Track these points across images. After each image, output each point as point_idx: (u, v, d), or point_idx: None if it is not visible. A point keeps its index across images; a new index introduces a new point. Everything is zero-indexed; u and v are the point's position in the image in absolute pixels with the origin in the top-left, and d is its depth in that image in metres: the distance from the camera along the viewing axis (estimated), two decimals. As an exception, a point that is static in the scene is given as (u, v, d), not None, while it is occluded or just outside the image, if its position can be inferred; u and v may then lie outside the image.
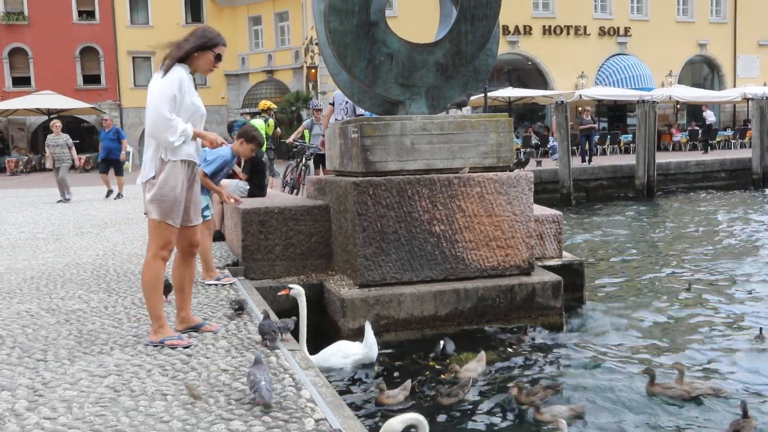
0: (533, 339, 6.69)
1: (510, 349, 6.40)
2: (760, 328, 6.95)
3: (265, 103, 14.90)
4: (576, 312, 7.68)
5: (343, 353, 5.96)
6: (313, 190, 8.45)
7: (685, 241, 13.49)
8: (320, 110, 13.62)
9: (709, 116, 27.73)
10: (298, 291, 5.89)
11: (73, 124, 42.25)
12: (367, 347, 5.96)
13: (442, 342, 6.32)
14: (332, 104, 11.31)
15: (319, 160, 12.97)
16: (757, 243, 12.96)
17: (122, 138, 17.73)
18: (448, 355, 6.14)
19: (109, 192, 17.49)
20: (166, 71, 4.58)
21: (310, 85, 34.43)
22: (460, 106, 9.95)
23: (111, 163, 17.74)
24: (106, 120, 18.13)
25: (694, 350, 6.72)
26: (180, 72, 4.61)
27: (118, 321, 5.27)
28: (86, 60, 41.63)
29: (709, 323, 7.58)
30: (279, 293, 6.13)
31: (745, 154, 25.01)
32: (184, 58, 4.68)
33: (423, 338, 6.62)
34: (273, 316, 5.11)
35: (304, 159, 13.30)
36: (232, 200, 6.73)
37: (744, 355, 6.53)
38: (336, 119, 10.86)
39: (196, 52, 4.70)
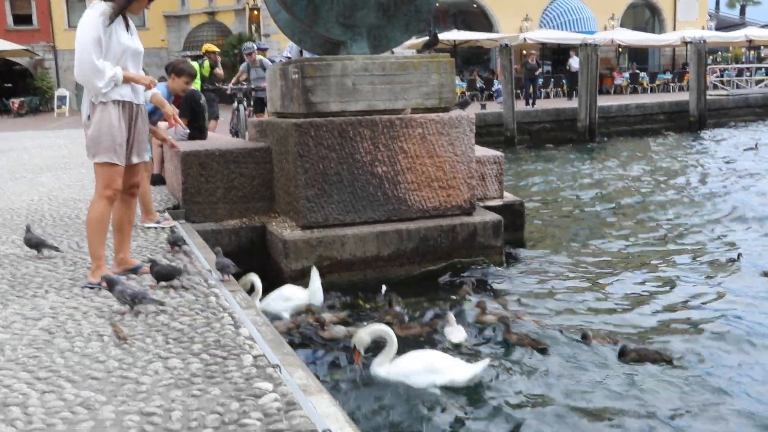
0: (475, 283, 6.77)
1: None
2: (739, 254, 7.51)
3: (207, 47, 14.50)
4: (516, 251, 7.83)
5: (284, 297, 5.94)
6: (254, 132, 8.33)
7: (623, 181, 13.80)
8: (251, 54, 13.21)
9: (574, 62, 27.26)
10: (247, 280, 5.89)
11: (4, 67, 40.62)
12: (311, 293, 5.94)
13: (384, 287, 6.33)
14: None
15: (261, 103, 12.78)
16: (688, 179, 13.36)
17: None
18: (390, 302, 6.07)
19: None
20: (109, 20, 4.41)
21: (253, 28, 33.64)
22: (463, 106, 9.77)
23: None
24: None
25: (625, 283, 6.97)
26: (102, 10, 4.42)
27: (53, 265, 5.17)
28: (16, -1, 39.73)
29: (640, 256, 7.84)
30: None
31: (683, 96, 25.52)
32: None
33: (365, 279, 6.67)
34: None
35: (236, 103, 13.11)
36: (170, 139, 6.60)
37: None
38: None
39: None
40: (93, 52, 4.36)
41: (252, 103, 13.36)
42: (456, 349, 5.16)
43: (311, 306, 5.91)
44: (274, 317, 5.69)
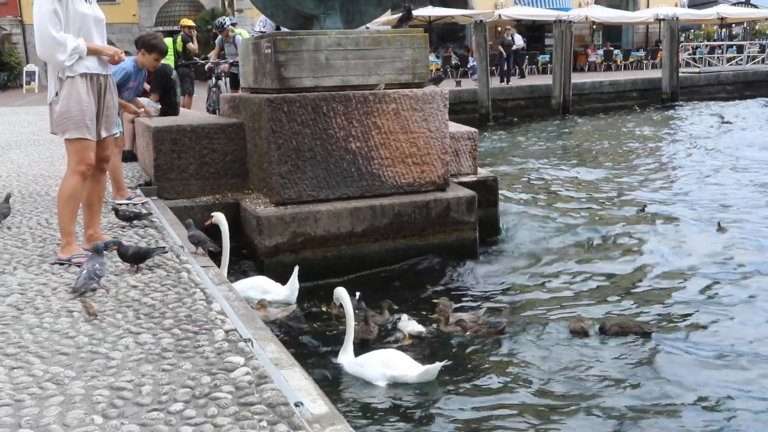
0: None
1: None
2: (719, 222, 7.89)
3: (184, 21, 14.26)
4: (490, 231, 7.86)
5: (263, 289, 5.85)
6: (227, 108, 8.25)
7: (594, 156, 13.91)
8: (224, 29, 12.95)
9: (518, 40, 27.12)
10: (218, 218, 5.77)
11: (-30, 41, 39.74)
12: (289, 290, 5.86)
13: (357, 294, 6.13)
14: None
15: (235, 79, 12.60)
16: (655, 153, 13.49)
17: None
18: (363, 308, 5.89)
19: None
20: None
21: (226, 3, 33.19)
22: (436, 82, 9.64)
23: None
24: None
25: (600, 263, 7.06)
26: None
27: (22, 241, 5.10)
28: (-19, -28, 38.79)
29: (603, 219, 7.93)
30: (206, 223, 5.92)
31: (656, 74, 25.69)
32: None
33: (340, 255, 6.65)
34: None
35: (214, 79, 12.88)
36: (142, 110, 6.52)
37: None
38: None
39: None
40: (51, 25, 4.28)
41: (226, 78, 13.14)
42: (416, 341, 5.18)
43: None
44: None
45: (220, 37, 13.25)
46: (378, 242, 6.88)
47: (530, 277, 6.77)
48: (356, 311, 5.12)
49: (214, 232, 5.70)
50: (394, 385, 4.43)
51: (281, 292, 5.88)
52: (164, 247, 4.77)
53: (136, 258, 4.39)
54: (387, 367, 4.48)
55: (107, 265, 4.22)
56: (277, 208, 6.68)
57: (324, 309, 5.87)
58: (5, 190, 7.18)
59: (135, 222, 5.62)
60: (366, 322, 5.29)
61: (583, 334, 5.15)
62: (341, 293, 4.85)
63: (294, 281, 5.86)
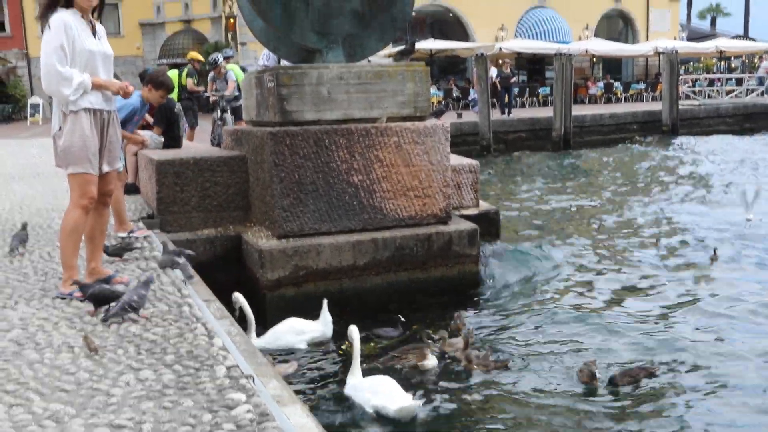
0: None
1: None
2: (714, 248, 8.04)
3: (192, 54, 14.38)
4: (491, 261, 7.85)
5: (297, 330, 5.75)
6: (230, 140, 8.29)
7: (598, 190, 13.92)
8: (217, 66, 12.99)
9: (493, 73, 27.51)
10: (236, 298, 5.71)
11: (-24, 74, 40.09)
12: (323, 325, 5.79)
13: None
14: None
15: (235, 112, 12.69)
16: (663, 186, 13.51)
17: None
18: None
19: None
20: (46, 21, 4.38)
21: (229, 36, 33.55)
22: (438, 115, 9.70)
23: None
24: None
25: (605, 296, 7.02)
26: (62, 17, 4.40)
27: (24, 275, 5.09)
28: (-12, 6, 39.30)
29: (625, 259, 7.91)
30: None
31: (656, 106, 25.83)
32: (66, 2, 4.46)
33: (341, 288, 6.62)
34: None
35: (219, 112, 12.95)
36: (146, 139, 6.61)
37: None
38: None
39: None
40: (56, 60, 4.33)
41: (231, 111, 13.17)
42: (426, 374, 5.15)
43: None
44: (287, 351, 5.58)
45: (212, 73, 13.28)
46: (380, 275, 6.87)
47: (532, 310, 6.72)
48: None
49: (215, 265, 5.68)
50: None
51: (317, 329, 5.78)
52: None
53: (96, 299, 4.18)
54: (374, 394, 4.41)
55: (147, 297, 4.15)
56: (279, 241, 6.68)
57: (341, 349, 5.75)
58: (8, 223, 7.20)
59: (125, 256, 5.58)
60: (422, 352, 5.22)
61: (591, 378, 5.03)
62: (353, 332, 4.78)
63: (326, 314, 5.79)
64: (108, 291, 4.24)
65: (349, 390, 4.61)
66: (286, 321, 5.86)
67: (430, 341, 5.59)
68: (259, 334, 5.69)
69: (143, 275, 4.35)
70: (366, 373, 4.76)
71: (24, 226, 6.09)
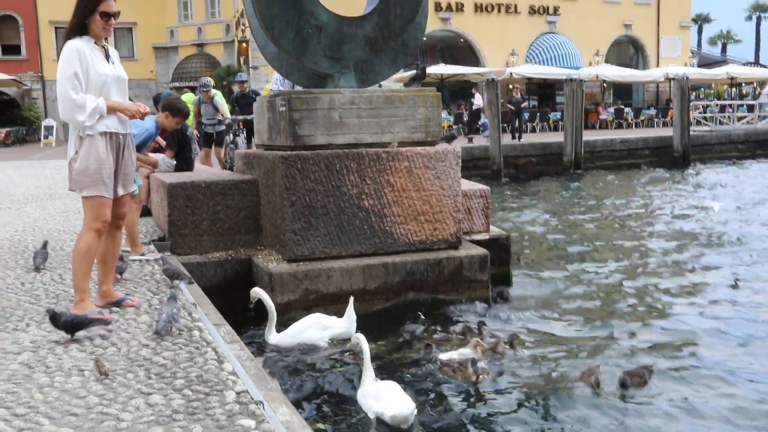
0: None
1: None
2: (736, 279, 7.98)
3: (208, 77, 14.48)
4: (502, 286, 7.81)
5: (321, 325, 5.79)
6: (241, 164, 8.33)
7: (607, 213, 13.87)
8: (207, 91, 12.94)
9: (477, 100, 27.99)
10: (257, 292, 5.82)
11: (-9, 96, 40.59)
12: (348, 322, 5.82)
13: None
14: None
15: (210, 138, 12.77)
16: (673, 213, 13.45)
17: None
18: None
19: None
20: (62, 47, 4.50)
21: (241, 60, 33.83)
22: (449, 140, 9.71)
23: None
24: None
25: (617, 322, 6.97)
26: (75, 45, 4.49)
27: (35, 297, 5.11)
28: (5, 29, 39.81)
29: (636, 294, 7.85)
30: (249, 305, 5.93)
31: (667, 132, 25.82)
32: (81, 30, 4.54)
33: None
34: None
35: (231, 136, 12.99)
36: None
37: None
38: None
39: (86, 19, 4.56)
40: (70, 88, 4.42)
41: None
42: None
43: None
44: (308, 347, 5.62)
45: (198, 96, 13.15)
46: (390, 300, 6.85)
47: (542, 332, 6.66)
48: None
49: (226, 288, 5.69)
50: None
51: (341, 325, 5.82)
52: (108, 321, 4.40)
53: (67, 327, 4.07)
54: (376, 401, 4.38)
55: (181, 312, 4.41)
56: (290, 264, 6.68)
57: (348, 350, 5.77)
58: (20, 244, 7.24)
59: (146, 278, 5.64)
60: (464, 367, 5.20)
61: (596, 386, 5.05)
62: (360, 339, 4.80)
63: (351, 312, 5.82)
64: (81, 318, 4.14)
65: (359, 396, 4.59)
66: (310, 316, 5.91)
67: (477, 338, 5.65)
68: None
69: (169, 292, 4.43)
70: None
71: (45, 245, 6.31)
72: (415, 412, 4.30)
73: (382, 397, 4.39)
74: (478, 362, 5.24)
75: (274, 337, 5.69)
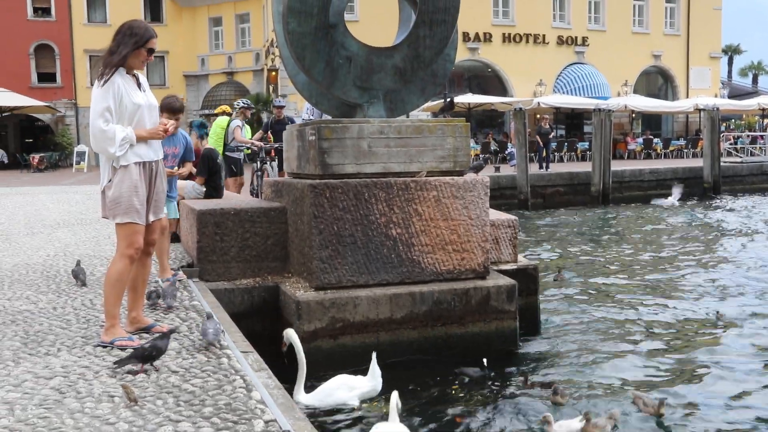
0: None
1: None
2: (716, 311, 8.01)
3: (222, 108, 14.62)
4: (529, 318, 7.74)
5: (348, 386, 5.62)
6: (270, 192, 8.39)
7: (635, 247, 13.73)
8: (249, 108, 13.10)
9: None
10: (290, 335, 5.61)
11: (26, 122, 41.42)
12: (373, 379, 5.66)
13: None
14: None
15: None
16: (701, 249, 13.27)
17: None
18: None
19: None
20: (106, 81, 4.55)
21: (270, 88, 34.24)
22: (477, 170, 9.67)
23: None
24: None
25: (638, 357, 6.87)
26: (112, 79, 4.57)
27: (66, 322, 5.16)
28: (41, 58, 40.76)
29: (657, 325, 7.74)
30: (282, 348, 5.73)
31: (697, 163, 25.59)
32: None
33: (378, 342, 6.57)
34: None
35: (259, 163, 13.08)
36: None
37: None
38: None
39: (131, 53, 4.67)
40: (101, 121, 4.53)
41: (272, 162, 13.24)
42: None
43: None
44: (337, 408, 5.53)
45: (236, 119, 13.25)
46: (417, 329, 6.82)
47: (574, 368, 6.60)
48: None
49: (253, 315, 5.69)
50: None
51: (367, 384, 5.65)
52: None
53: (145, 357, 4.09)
54: None
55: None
56: (317, 292, 6.69)
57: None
58: (51, 269, 7.34)
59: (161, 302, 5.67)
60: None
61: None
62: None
63: (375, 368, 5.65)
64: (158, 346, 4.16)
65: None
66: (336, 378, 5.71)
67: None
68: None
69: (206, 313, 4.70)
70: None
71: (78, 263, 6.72)
72: None
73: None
74: None
75: (303, 397, 5.47)
